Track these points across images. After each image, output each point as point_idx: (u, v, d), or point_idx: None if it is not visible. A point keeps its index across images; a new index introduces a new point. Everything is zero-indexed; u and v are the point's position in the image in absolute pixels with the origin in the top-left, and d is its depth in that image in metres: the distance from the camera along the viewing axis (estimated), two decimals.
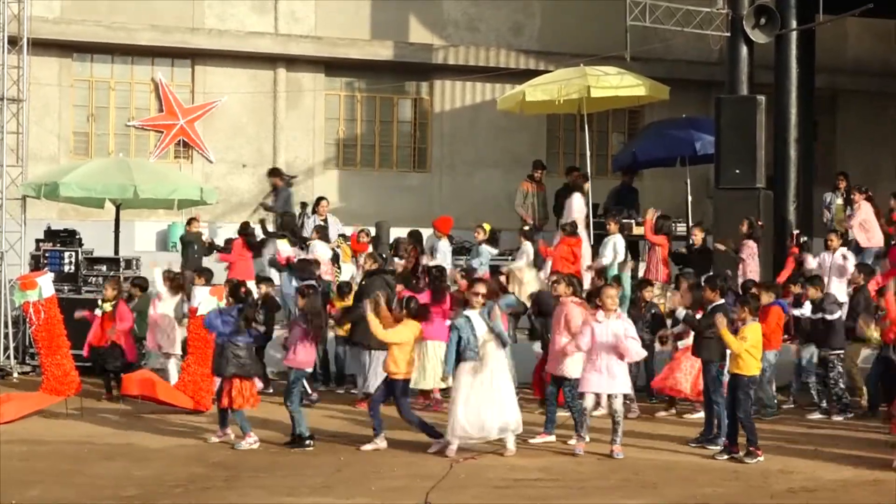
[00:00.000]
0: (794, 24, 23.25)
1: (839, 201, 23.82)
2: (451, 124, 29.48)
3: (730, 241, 20.90)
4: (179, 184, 23.16)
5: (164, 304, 18.23)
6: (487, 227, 22.40)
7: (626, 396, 15.44)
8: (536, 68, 27.81)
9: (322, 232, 22.43)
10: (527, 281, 20.76)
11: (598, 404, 15.76)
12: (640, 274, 21.75)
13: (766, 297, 16.91)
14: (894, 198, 22.75)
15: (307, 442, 14.56)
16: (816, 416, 17.12)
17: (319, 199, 24.56)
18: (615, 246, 21.32)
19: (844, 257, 20.56)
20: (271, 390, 18.28)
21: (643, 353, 15.07)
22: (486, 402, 14.13)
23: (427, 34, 29.13)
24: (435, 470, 13.29)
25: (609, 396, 14.66)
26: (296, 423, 14.65)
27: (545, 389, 15.48)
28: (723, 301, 15.11)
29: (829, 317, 17.27)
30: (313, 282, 17.50)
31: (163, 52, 27.84)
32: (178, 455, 14.16)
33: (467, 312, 14.42)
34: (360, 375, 18.14)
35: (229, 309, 15.12)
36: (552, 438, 15.02)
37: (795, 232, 22.09)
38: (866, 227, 22.01)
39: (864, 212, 22.12)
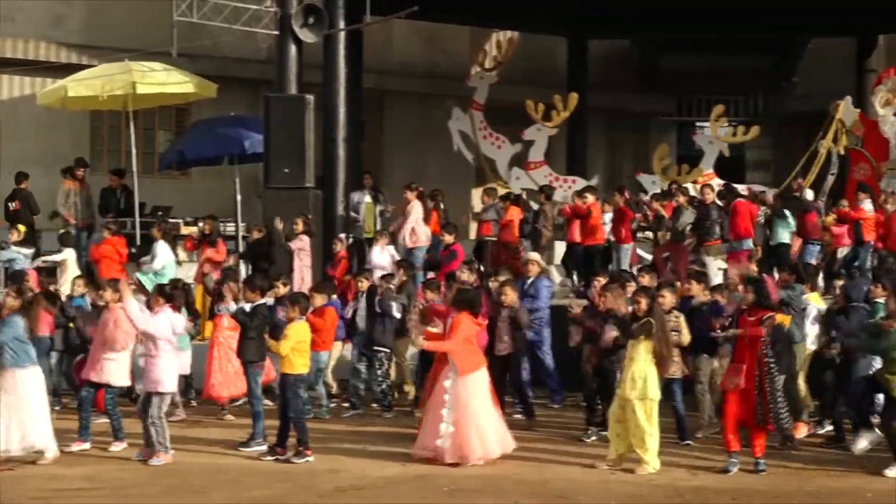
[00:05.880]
0: (342, 24, 23.41)
1: (367, 199, 24.17)
2: None
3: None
4: None
5: None
6: (22, 228, 21.65)
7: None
8: (80, 62, 26.81)
9: None
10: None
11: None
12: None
13: (321, 300, 16.84)
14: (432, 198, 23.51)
15: None
16: (350, 413, 17.19)
17: None
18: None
19: (392, 255, 20.98)
20: None
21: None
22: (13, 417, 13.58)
23: None
24: None
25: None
26: None
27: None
28: (263, 301, 15.14)
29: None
30: None
31: None
32: None
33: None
34: None
35: None
36: (87, 445, 14.59)
37: (342, 235, 22.21)
38: (416, 228, 22.36)
39: (416, 212, 22.50)
